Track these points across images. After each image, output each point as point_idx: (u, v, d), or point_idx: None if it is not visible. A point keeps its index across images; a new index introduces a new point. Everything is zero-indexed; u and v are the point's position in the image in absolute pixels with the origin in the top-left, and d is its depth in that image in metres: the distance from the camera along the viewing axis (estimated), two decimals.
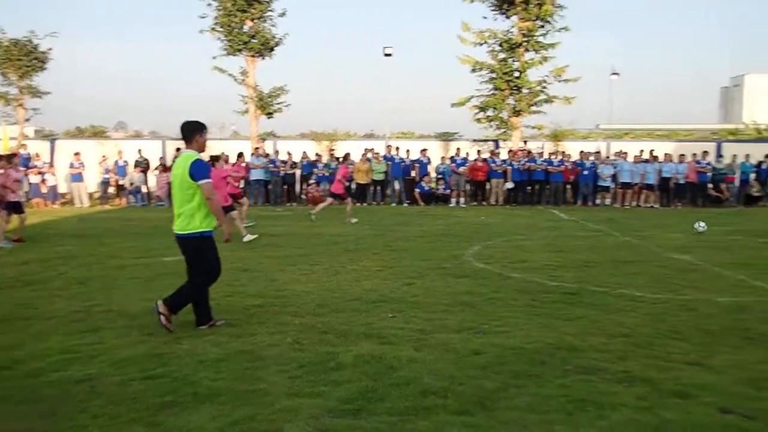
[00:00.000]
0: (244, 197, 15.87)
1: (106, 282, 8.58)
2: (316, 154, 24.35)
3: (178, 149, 21.05)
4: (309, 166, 23.26)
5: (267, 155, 23.63)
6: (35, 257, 10.69)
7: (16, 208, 12.72)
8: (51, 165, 24.21)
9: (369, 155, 22.84)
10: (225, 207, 11.02)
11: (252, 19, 25.19)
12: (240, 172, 16.17)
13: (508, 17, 25.24)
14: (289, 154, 23.52)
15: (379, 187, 23.14)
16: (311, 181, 22.80)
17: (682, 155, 22.54)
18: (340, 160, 20.20)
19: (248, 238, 12.30)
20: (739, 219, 17.35)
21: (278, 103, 26.42)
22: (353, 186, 22.07)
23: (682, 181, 21.98)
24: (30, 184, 22.04)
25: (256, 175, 22.61)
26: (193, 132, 6.16)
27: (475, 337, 5.82)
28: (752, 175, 22.54)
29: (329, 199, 16.61)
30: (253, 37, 25.32)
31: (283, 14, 25.92)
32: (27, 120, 27.25)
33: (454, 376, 4.75)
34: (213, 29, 25.43)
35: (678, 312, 6.75)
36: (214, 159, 12.57)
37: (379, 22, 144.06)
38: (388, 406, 4.21)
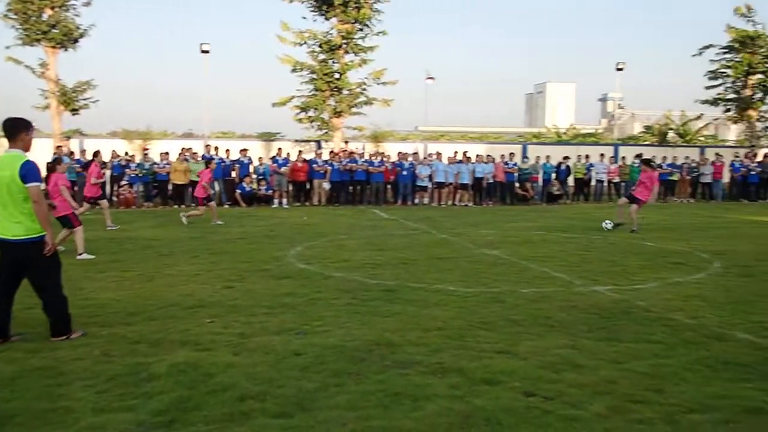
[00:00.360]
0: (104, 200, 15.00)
1: None
2: (126, 153, 22.98)
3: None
4: (120, 167, 21.87)
5: (71, 154, 21.87)
6: None
7: None
8: None
9: (187, 155, 21.98)
10: (65, 216, 10.30)
11: (52, 8, 23.23)
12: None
13: (327, 19, 25.58)
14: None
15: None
16: (123, 182, 21.47)
17: (489, 156, 24.22)
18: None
19: (84, 257, 10.34)
20: (542, 216, 18.90)
21: (84, 99, 24.64)
22: (170, 187, 21.18)
23: (491, 181, 23.56)
24: None
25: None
26: (17, 130, 5.62)
27: (295, 338, 5.80)
28: (553, 175, 24.68)
29: (201, 208, 15.92)
30: (53, 26, 23.36)
31: (87, 4, 24.21)
32: None
33: (273, 379, 4.70)
34: (5, 16, 23.12)
35: (488, 304, 7.20)
36: (55, 163, 11.33)
37: (196, 18, 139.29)
38: (203, 414, 4.08)
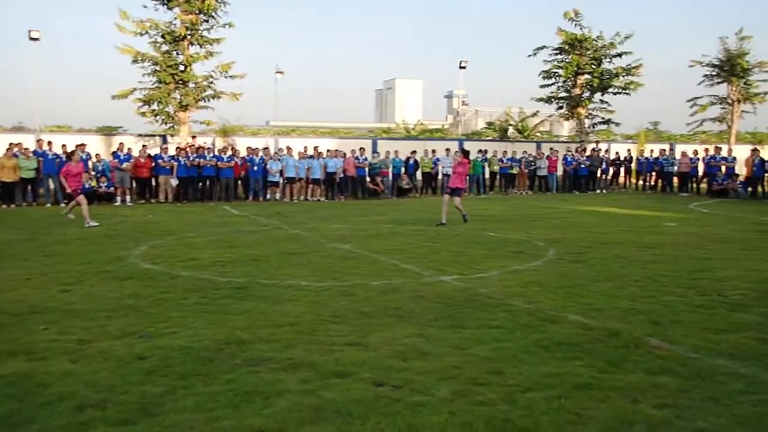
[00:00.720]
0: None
1: None
2: None
3: None
4: None
5: None
6: None
7: None
8: None
9: (16, 150, 20.26)
10: None
11: None
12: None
13: (170, 8, 24.59)
14: None
15: (29, 186, 20.65)
16: None
17: (339, 151, 24.48)
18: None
19: None
20: (392, 209, 19.37)
21: None
22: None
23: (342, 176, 23.79)
24: None
25: None
26: None
27: (139, 341, 5.57)
28: (402, 170, 25.37)
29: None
30: None
31: None
32: None
33: (114, 386, 4.50)
34: None
35: (339, 298, 7.30)
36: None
37: (22, 2, 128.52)
38: (37, 428, 3.83)
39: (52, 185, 20.86)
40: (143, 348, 5.36)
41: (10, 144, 20.59)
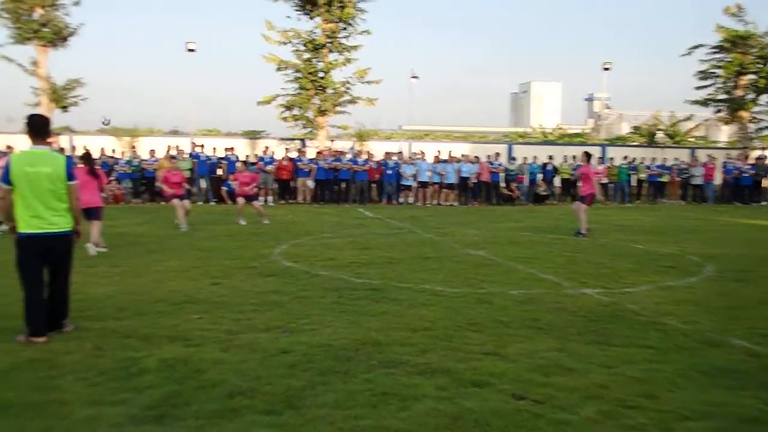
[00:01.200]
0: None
1: None
2: (113, 150, 23.00)
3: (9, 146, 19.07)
4: (108, 164, 21.85)
5: (62, 150, 21.77)
6: None
7: None
8: None
9: (173, 152, 21.99)
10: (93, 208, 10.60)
11: (43, 6, 23.19)
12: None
13: (311, 18, 25.69)
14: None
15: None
16: (111, 179, 21.41)
17: (475, 156, 24.40)
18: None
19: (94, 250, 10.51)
20: (528, 216, 19.05)
21: (74, 96, 24.64)
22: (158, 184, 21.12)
23: (476, 181, 23.70)
24: None
25: None
26: (48, 127, 5.82)
27: (282, 336, 5.88)
28: (539, 176, 24.87)
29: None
30: (44, 25, 23.31)
31: (77, 3, 24.16)
32: None
33: (261, 376, 4.78)
34: None
35: (475, 305, 7.27)
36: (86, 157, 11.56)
37: (183, 17, 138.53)
38: (194, 409, 4.15)
39: (203, 185, 22.39)
40: (286, 342, 5.65)
41: (169, 147, 22.41)
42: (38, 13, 23.23)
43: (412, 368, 5.04)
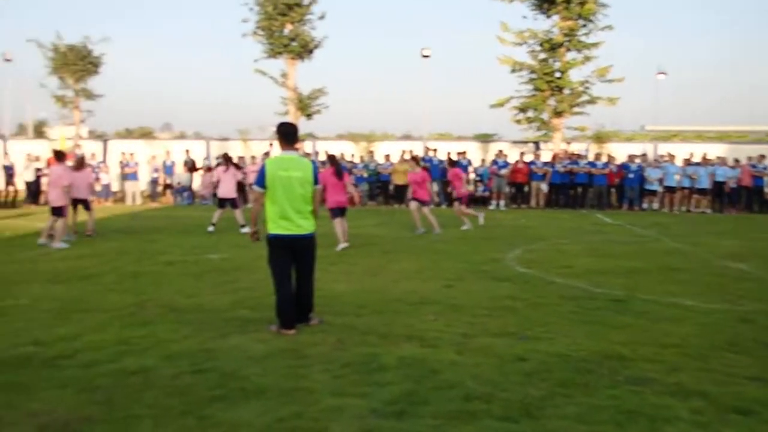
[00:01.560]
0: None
1: (156, 277, 8.77)
2: (352, 155, 24.53)
3: (266, 153, 21.68)
4: (346, 167, 23.38)
5: (307, 155, 23.80)
6: (90, 252, 11.01)
7: (84, 204, 13.45)
8: (104, 164, 24.85)
9: (407, 156, 22.84)
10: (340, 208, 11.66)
11: (292, 23, 25.44)
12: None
13: (548, 17, 25.07)
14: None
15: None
16: (350, 181, 22.91)
17: (736, 159, 21.94)
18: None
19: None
20: None
21: (317, 105, 26.64)
22: (392, 187, 22.22)
23: (734, 186, 21.34)
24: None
25: None
26: (297, 134, 6.33)
27: (518, 342, 5.73)
28: None
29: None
30: (293, 39, 25.56)
31: (322, 17, 26.13)
32: (82, 121, 28.04)
33: (497, 382, 4.68)
34: (255, 33, 25.77)
35: (735, 323, 6.48)
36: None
37: (417, 23, 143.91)
38: (431, 409, 4.17)
39: (435, 188, 22.92)
40: (522, 349, 5.49)
41: (403, 151, 23.30)
42: (288, 28, 25.55)
43: (662, 387, 4.60)
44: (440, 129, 49.53)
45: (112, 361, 5.06)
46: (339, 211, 11.75)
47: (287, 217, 6.03)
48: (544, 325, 6.36)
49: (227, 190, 14.58)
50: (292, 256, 6.15)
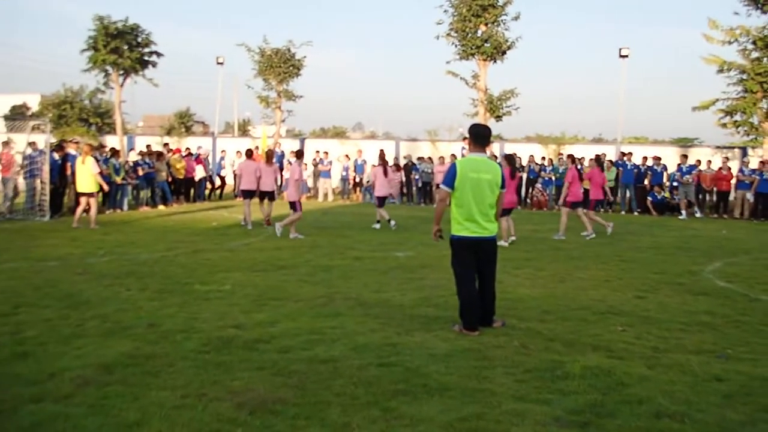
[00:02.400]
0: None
1: (346, 271, 9.29)
2: (542, 158, 24.01)
3: (454, 155, 22.30)
4: (535, 171, 23.02)
5: (495, 157, 23.75)
6: (286, 244, 11.92)
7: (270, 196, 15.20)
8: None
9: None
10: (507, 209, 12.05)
11: (486, 24, 25.42)
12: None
13: (764, 12, 22.70)
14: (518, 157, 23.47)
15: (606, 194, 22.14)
16: (537, 185, 22.54)
17: None
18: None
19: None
20: None
21: (507, 106, 26.37)
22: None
23: None
24: (284, 179, 24.62)
25: None
26: (490, 137, 6.47)
27: (716, 361, 5.35)
28: None
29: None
30: (486, 41, 25.54)
31: (517, 18, 25.80)
32: (282, 121, 30.20)
33: (691, 401, 4.42)
34: (448, 34, 26.09)
35: None
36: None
37: (616, 22, 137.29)
38: (618, 423, 4.04)
39: (628, 194, 21.83)
40: (720, 369, 5.13)
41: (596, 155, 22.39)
42: (481, 29, 25.58)
43: None
44: (635, 132, 46.99)
45: (305, 349, 5.46)
46: (507, 211, 12.16)
47: (473, 219, 6.09)
48: (745, 344, 5.88)
49: (381, 188, 15.32)
50: (476, 258, 6.20)
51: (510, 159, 12.63)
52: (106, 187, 15.80)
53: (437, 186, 22.96)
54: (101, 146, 19.33)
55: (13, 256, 10.20)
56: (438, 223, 6.45)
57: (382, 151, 16.94)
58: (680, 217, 20.10)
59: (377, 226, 15.03)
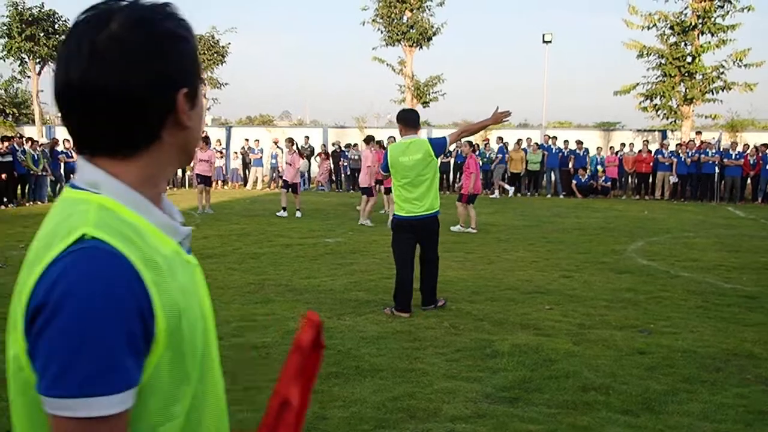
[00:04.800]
0: None
1: (275, 258, 9.14)
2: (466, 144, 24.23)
3: (392, 137, 21.98)
4: (462, 156, 23.21)
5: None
6: (214, 233, 11.62)
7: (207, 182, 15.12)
8: (229, 150, 26.13)
9: (524, 144, 22.39)
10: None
11: (411, 10, 25.45)
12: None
13: None
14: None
15: (534, 178, 22.63)
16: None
17: None
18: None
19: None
20: None
21: (434, 92, 26.53)
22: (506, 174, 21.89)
23: None
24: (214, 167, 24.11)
25: None
26: (419, 120, 6.45)
27: (639, 335, 5.53)
28: None
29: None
30: (411, 27, 25.58)
31: (441, 3, 25.95)
32: (208, 109, 29.52)
33: (616, 374, 4.54)
34: (374, 20, 26.01)
35: None
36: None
37: (538, 7, 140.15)
38: (546, 397, 4.12)
39: (553, 177, 22.42)
40: (642, 343, 5.29)
41: (518, 139, 22.86)
42: (407, 15, 25.62)
43: None
44: (559, 116, 48.23)
45: (236, 335, 5.35)
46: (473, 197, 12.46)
47: (409, 198, 6.08)
48: (667, 319, 6.10)
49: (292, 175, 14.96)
50: (416, 239, 6.19)
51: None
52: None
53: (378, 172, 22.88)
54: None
55: None
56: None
57: (289, 138, 16.16)
58: (491, 196, 20.79)
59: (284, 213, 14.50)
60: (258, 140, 25.13)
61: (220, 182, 24.58)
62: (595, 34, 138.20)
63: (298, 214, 14.45)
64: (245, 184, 24.93)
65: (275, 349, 4.98)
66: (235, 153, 25.83)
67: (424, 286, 6.31)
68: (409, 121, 6.30)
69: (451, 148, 19.48)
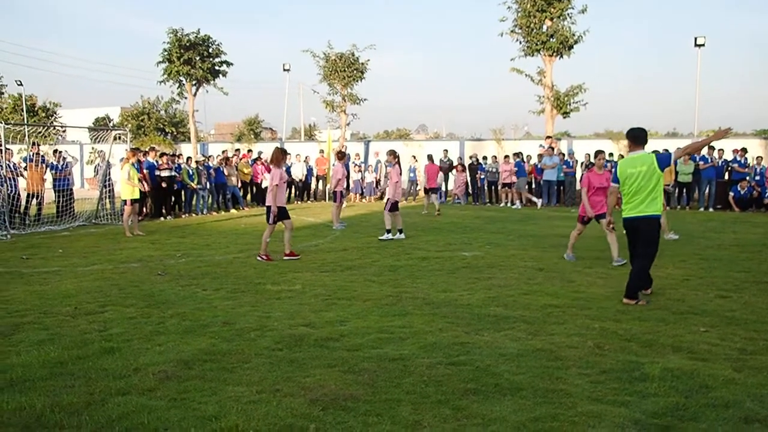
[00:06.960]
0: None
1: (412, 271, 9.26)
2: (610, 155, 23.27)
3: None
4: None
5: (562, 155, 23.23)
6: (353, 245, 11.96)
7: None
8: (367, 164, 26.81)
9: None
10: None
11: (551, 18, 24.90)
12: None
13: None
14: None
15: (685, 190, 21.28)
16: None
17: None
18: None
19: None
20: None
21: (575, 102, 25.74)
22: None
23: None
24: (353, 180, 24.87)
25: (549, 175, 22.28)
26: (647, 137, 7.38)
27: None
28: None
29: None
30: (551, 36, 25.02)
31: (583, 11, 25.16)
32: (348, 124, 30.45)
33: None
34: (512, 31, 25.71)
35: None
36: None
37: (689, 11, 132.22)
38: (703, 427, 3.85)
39: (707, 189, 20.97)
40: None
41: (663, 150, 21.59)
42: (547, 25, 25.05)
43: None
44: (713, 125, 45.20)
45: (374, 347, 5.46)
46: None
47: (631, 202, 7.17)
48: None
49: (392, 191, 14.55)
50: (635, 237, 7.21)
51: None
52: (146, 188, 15.63)
53: (503, 186, 22.64)
54: (141, 151, 18.98)
55: (99, 258, 10.69)
56: (610, 214, 8.26)
57: (391, 151, 14.58)
58: (513, 207, 20.36)
59: (388, 236, 12.89)
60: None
61: (357, 195, 25.29)
62: (751, 36, 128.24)
63: (339, 225, 14.84)
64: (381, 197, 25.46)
65: (412, 362, 5.03)
66: (370, 166, 26.43)
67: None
68: (638, 138, 7.23)
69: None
